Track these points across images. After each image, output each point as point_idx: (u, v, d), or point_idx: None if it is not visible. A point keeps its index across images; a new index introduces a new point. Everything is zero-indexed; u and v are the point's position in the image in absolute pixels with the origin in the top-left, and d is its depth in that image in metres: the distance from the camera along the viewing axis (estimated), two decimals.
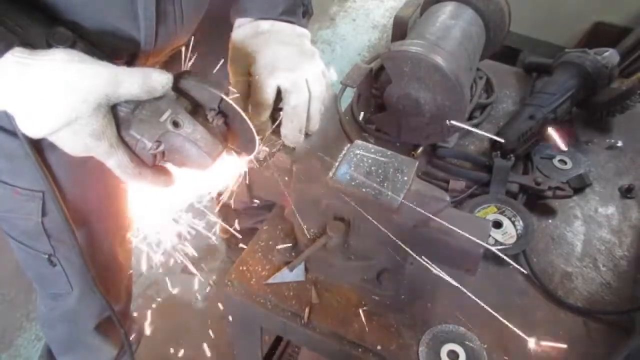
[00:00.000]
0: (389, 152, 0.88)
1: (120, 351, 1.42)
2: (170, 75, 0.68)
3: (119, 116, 0.67)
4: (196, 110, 0.73)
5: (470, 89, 1.30)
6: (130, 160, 0.68)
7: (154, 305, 2.06)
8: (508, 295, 0.98)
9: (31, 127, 0.65)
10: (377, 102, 1.21)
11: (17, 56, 0.62)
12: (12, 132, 0.82)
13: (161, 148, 0.68)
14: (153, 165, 0.70)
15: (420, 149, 1.21)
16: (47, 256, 1.08)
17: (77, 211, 1.01)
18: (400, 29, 1.27)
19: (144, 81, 0.66)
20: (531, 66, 1.46)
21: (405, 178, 0.84)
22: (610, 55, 1.25)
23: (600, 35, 1.90)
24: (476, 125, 1.29)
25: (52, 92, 0.62)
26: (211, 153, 0.70)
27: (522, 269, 0.99)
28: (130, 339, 1.46)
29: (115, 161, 0.68)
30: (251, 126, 0.75)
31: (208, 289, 2.13)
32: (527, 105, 1.23)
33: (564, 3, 1.96)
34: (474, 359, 0.87)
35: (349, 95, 1.31)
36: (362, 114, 1.27)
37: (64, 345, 1.42)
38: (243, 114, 0.74)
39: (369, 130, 1.25)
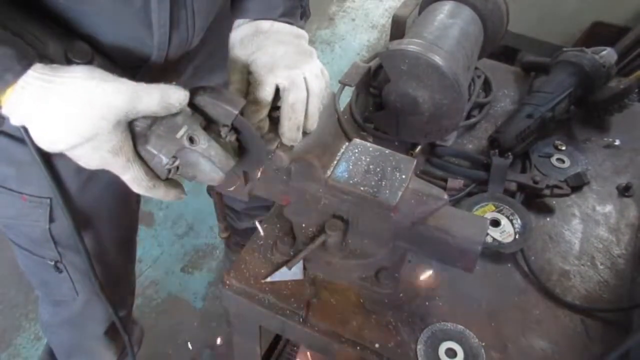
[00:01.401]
0: (387, 151, 0.89)
1: (122, 354, 1.42)
2: (187, 92, 0.69)
3: (135, 131, 0.68)
4: (209, 125, 0.74)
5: (469, 88, 1.31)
6: (146, 174, 0.69)
7: (153, 305, 2.06)
8: (506, 293, 0.98)
9: (51, 143, 0.65)
10: (376, 101, 1.21)
11: (39, 72, 0.62)
12: (20, 139, 0.82)
13: (176, 163, 0.70)
14: (166, 178, 0.72)
15: (418, 148, 1.21)
16: (53, 263, 1.08)
17: (84, 216, 1.02)
18: (398, 29, 1.28)
19: (162, 98, 0.66)
20: (529, 65, 1.46)
21: (403, 176, 0.84)
22: (607, 54, 1.25)
23: (599, 34, 1.90)
24: (474, 124, 1.30)
25: (73, 109, 0.63)
26: (224, 168, 0.72)
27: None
28: (132, 339, 1.47)
29: (131, 175, 0.69)
30: (262, 143, 0.78)
31: (207, 288, 2.13)
32: (525, 104, 1.23)
33: (562, 3, 1.96)
34: (472, 357, 0.88)
35: (347, 95, 1.31)
36: (360, 112, 1.27)
37: (67, 351, 1.42)
38: (254, 131, 0.76)
39: (368, 129, 1.25)
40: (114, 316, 1.10)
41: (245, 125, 0.75)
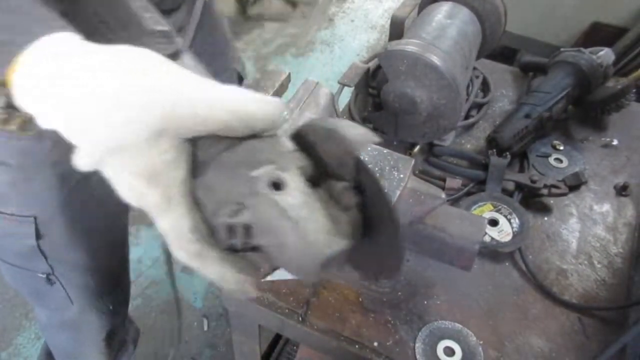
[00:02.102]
0: (385, 150, 0.89)
1: (118, 353, 1.42)
2: (284, 105, 0.46)
3: (198, 159, 0.42)
4: (322, 178, 0.44)
5: (467, 88, 1.31)
6: (191, 229, 0.42)
7: (153, 305, 2.07)
8: (504, 292, 0.98)
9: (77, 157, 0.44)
10: (375, 101, 1.22)
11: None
12: None
13: (243, 219, 0.41)
14: (228, 248, 0.43)
15: (417, 148, 1.21)
16: (45, 276, 1.05)
17: (74, 230, 0.99)
18: (397, 29, 1.28)
19: (238, 103, 0.41)
20: (527, 65, 1.47)
21: (402, 176, 0.85)
22: (605, 55, 1.25)
23: (598, 35, 1.91)
24: (473, 124, 1.31)
25: (93, 106, 0.40)
26: (321, 250, 0.40)
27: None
28: (128, 339, 1.47)
29: (168, 224, 0.42)
30: (398, 226, 0.45)
31: (207, 288, 2.14)
32: (523, 104, 1.24)
33: (561, 3, 1.97)
34: (470, 355, 0.88)
35: (346, 95, 1.32)
36: (359, 113, 1.27)
37: (66, 353, 1.43)
38: (388, 198, 0.44)
39: (367, 128, 1.25)
40: (112, 322, 1.08)
41: (374, 182, 0.44)
